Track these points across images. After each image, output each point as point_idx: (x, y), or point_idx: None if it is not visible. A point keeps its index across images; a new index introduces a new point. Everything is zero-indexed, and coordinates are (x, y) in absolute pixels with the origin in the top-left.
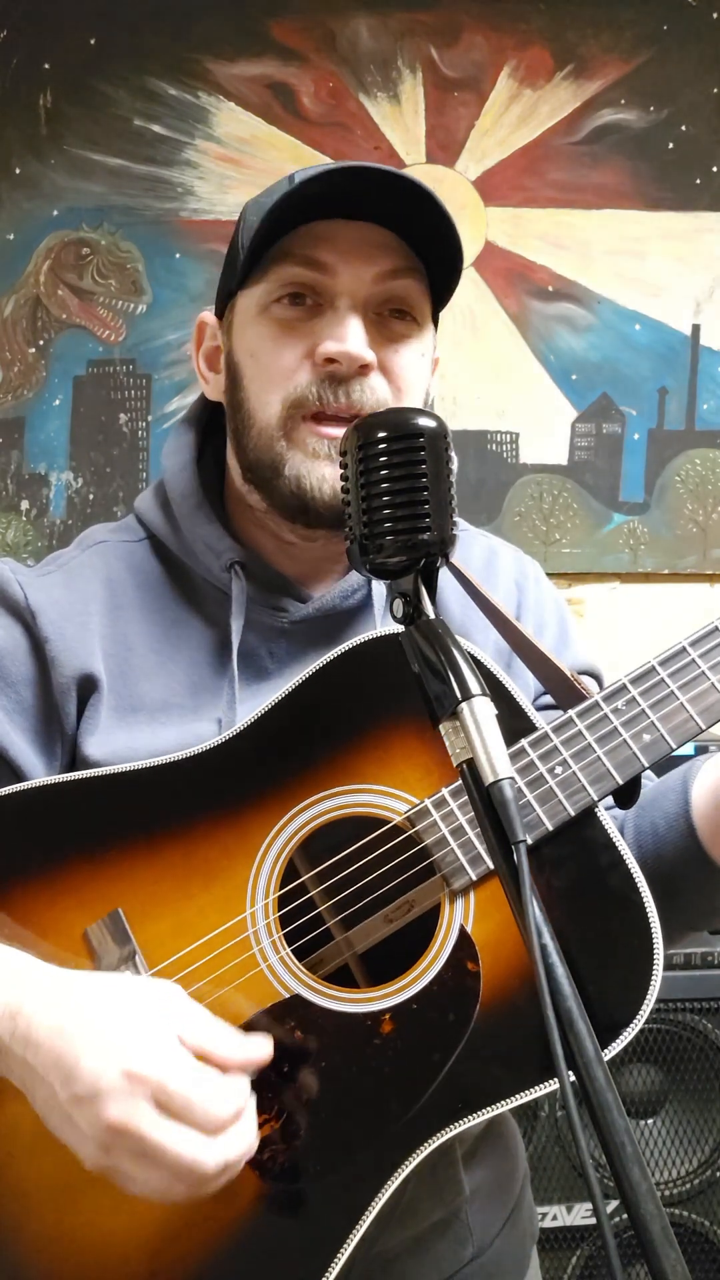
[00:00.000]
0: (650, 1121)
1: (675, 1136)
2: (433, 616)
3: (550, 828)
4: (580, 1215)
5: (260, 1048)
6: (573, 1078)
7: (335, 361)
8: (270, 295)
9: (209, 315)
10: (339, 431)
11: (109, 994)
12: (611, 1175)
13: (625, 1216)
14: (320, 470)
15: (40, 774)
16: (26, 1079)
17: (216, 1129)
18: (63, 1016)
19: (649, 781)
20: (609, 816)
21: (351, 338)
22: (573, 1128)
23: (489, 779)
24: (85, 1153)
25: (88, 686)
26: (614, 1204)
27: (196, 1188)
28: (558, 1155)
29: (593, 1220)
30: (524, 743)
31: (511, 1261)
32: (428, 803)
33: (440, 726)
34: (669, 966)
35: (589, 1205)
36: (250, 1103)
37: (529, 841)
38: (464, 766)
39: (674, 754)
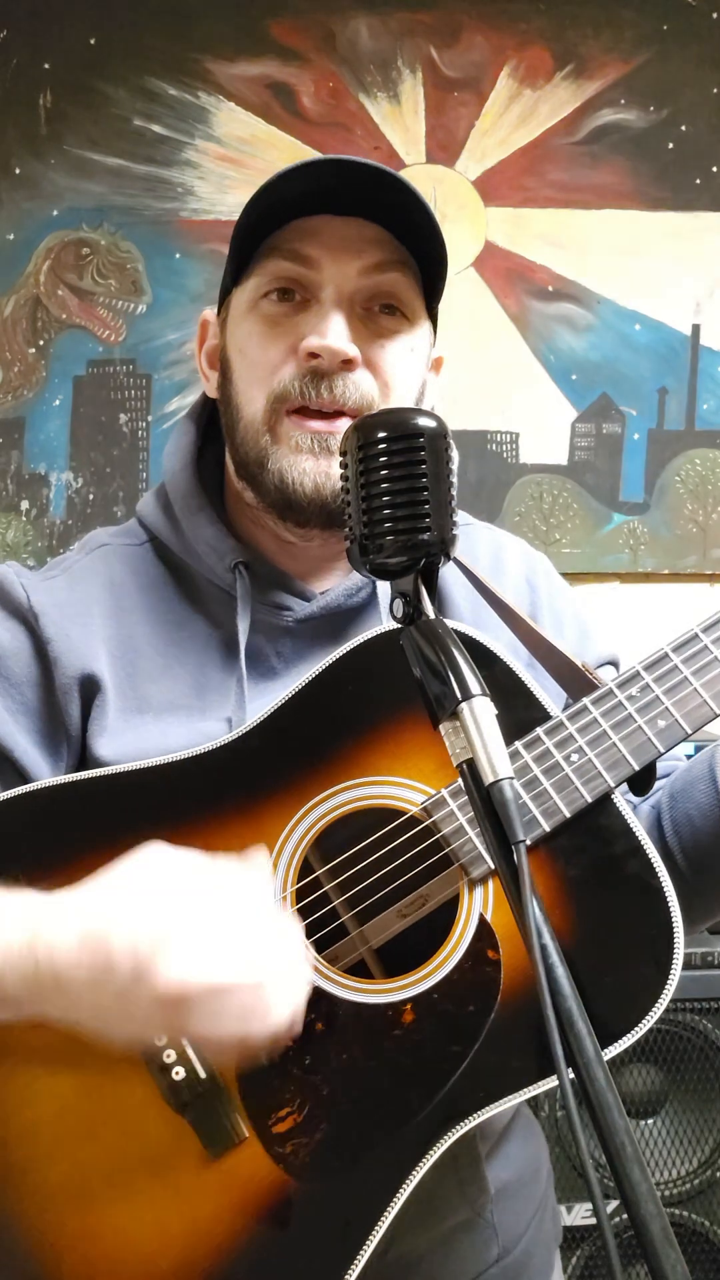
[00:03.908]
0: (650, 1121)
1: (675, 1136)
2: (433, 616)
3: (568, 815)
4: (580, 1215)
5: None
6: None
7: (317, 356)
8: (259, 291)
9: (211, 313)
10: (322, 425)
11: (108, 882)
12: (611, 1175)
13: (625, 1216)
14: (302, 464)
15: (46, 774)
16: (69, 1006)
17: (268, 939)
18: (76, 925)
19: (674, 764)
20: (626, 803)
21: (333, 332)
22: (573, 1128)
23: (489, 779)
24: (152, 1034)
25: (90, 687)
26: (614, 1204)
27: (273, 1008)
28: (558, 1155)
29: (593, 1220)
30: (539, 731)
31: (538, 1262)
32: (444, 793)
33: (440, 727)
34: None
35: (589, 1205)
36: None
37: (528, 842)
38: (464, 767)
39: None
